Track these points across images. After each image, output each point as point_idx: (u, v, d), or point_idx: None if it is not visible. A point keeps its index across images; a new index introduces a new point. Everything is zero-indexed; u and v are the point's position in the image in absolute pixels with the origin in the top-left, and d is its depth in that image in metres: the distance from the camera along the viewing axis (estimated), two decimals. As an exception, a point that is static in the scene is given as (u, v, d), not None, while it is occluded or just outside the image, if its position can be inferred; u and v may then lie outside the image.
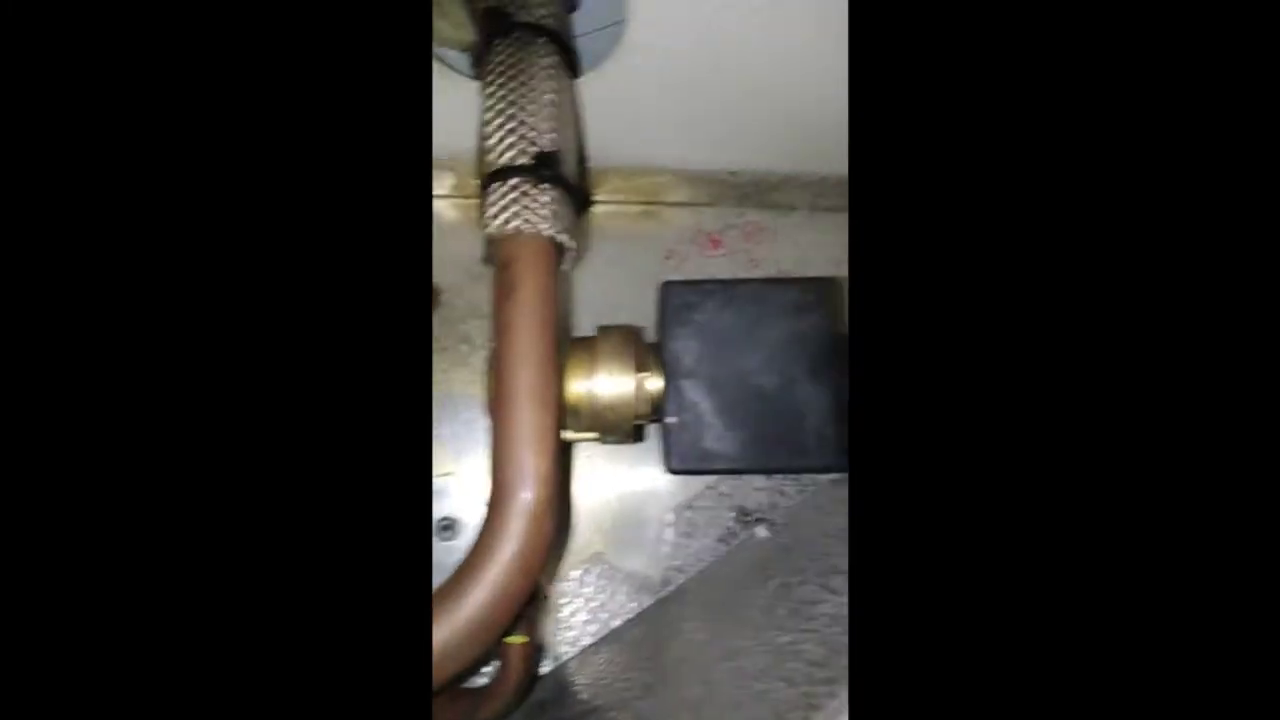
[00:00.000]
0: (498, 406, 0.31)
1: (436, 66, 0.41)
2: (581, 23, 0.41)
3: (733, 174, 0.55)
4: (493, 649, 0.31)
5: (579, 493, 0.51)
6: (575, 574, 0.50)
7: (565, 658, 0.48)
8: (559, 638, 0.49)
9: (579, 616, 0.49)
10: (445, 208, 0.53)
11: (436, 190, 0.53)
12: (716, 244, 0.58)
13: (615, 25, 0.41)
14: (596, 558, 0.50)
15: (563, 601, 0.49)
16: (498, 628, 0.28)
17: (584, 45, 0.42)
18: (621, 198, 0.58)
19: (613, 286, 0.55)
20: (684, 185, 0.57)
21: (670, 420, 0.35)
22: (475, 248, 0.49)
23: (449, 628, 0.27)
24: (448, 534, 0.47)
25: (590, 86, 0.44)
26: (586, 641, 0.48)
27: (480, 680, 0.38)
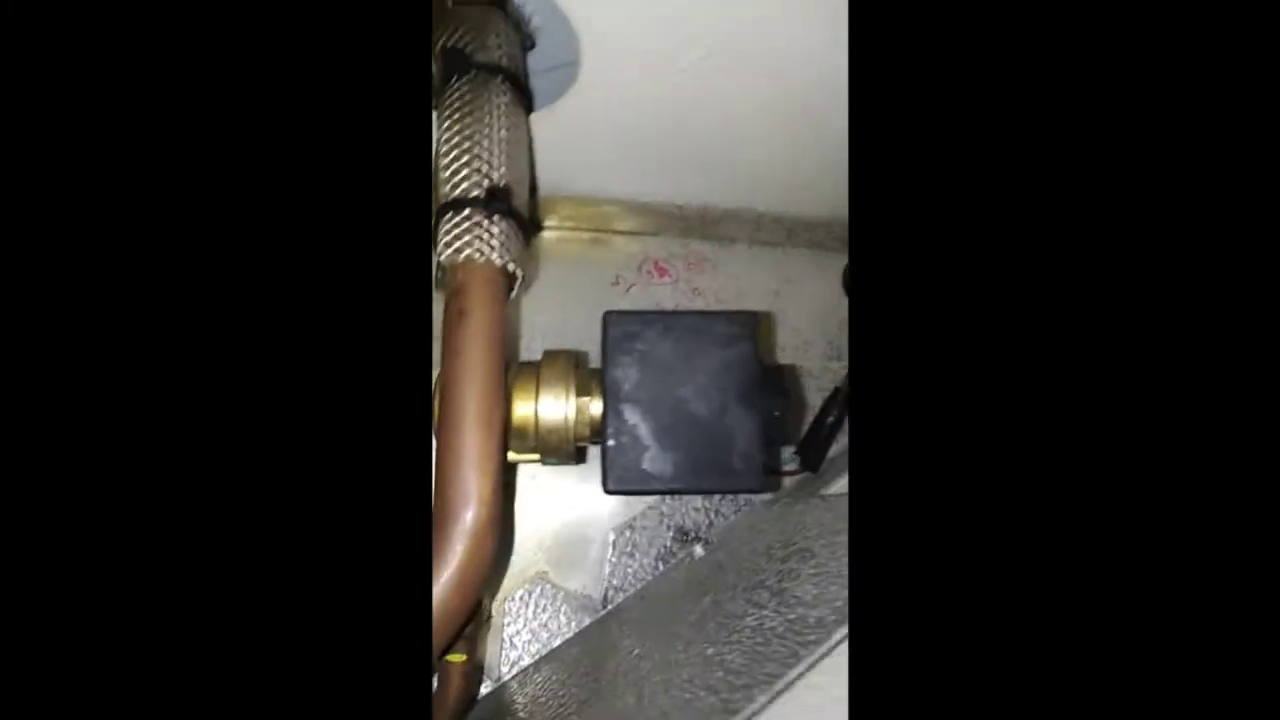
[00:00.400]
0: (443, 428, 0.32)
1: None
2: (536, 61, 0.43)
3: (679, 206, 0.57)
4: (433, 666, 0.32)
5: (523, 514, 0.52)
6: (519, 594, 0.50)
7: (505, 677, 0.48)
8: (501, 657, 0.49)
9: (521, 637, 0.50)
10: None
11: None
12: (664, 272, 0.61)
13: (568, 66, 0.44)
14: (540, 577, 0.51)
15: (506, 621, 0.50)
16: (437, 646, 0.29)
17: (538, 84, 0.44)
18: (572, 225, 0.60)
19: (564, 309, 0.57)
20: (632, 215, 0.59)
21: (609, 443, 0.37)
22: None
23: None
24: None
25: (543, 120, 0.46)
26: (527, 661, 0.49)
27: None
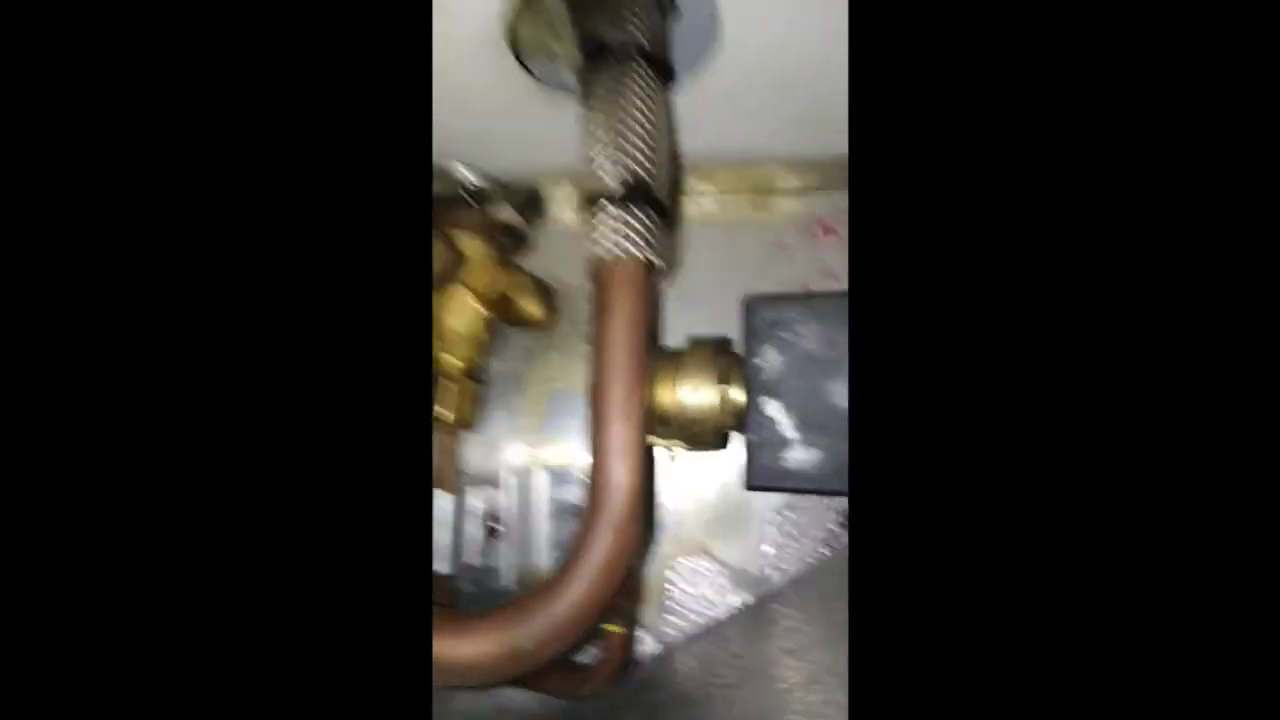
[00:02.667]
0: (593, 421, 0.34)
1: (544, 87, 0.43)
2: (678, 29, 0.41)
3: (843, 156, 0.52)
4: (592, 636, 0.35)
5: (688, 484, 0.54)
6: (684, 562, 0.53)
7: (669, 641, 0.51)
8: (664, 622, 0.52)
9: (683, 605, 0.52)
10: (569, 219, 0.57)
11: (562, 199, 0.56)
12: (829, 231, 0.56)
13: (710, 25, 0.41)
14: (701, 549, 0.52)
15: (669, 588, 0.52)
16: (587, 623, 0.31)
17: (680, 50, 0.43)
18: (732, 189, 0.58)
19: (724, 277, 0.56)
20: (793, 172, 0.55)
21: (750, 437, 0.36)
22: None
23: (549, 620, 0.31)
24: (577, 520, 0.52)
25: (690, 86, 0.44)
26: (688, 628, 0.51)
27: (585, 660, 0.42)
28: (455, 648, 0.30)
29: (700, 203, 0.58)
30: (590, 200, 0.36)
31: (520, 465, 0.53)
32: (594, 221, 0.36)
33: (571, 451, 0.54)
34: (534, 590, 0.31)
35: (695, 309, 0.55)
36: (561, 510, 0.53)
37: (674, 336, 0.55)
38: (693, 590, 0.52)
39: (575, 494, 0.53)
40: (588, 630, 0.32)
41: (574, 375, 0.56)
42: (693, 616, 0.52)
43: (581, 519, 0.33)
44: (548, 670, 0.37)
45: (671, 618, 0.52)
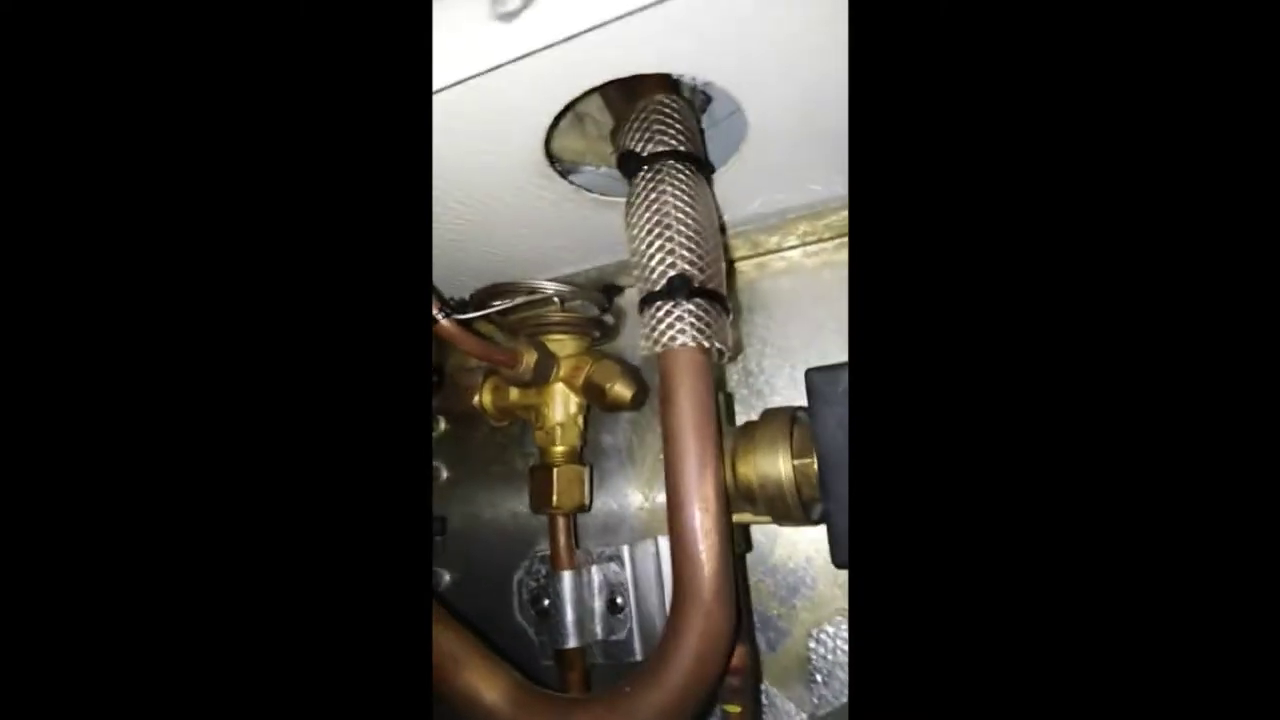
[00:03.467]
0: (670, 505, 0.35)
1: (596, 196, 0.47)
2: (709, 120, 0.44)
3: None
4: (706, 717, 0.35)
5: (821, 553, 0.52)
6: (828, 629, 0.51)
7: (817, 712, 0.49)
8: (811, 692, 0.50)
9: (831, 671, 0.50)
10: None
11: (631, 284, 0.60)
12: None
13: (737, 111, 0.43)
14: (841, 614, 0.50)
15: (809, 655, 0.51)
16: (690, 709, 0.33)
17: (718, 132, 0.44)
18: (815, 237, 0.57)
19: (820, 323, 0.55)
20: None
21: (829, 514, 0.35)
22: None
23: (649, 710, 0.32)
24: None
25: (744, 153, 0.45)
26: (832, 697, 0.49)
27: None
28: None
29: (788, 257, 0.58)
30: (642, 302, 0.39)
31: (639, 537, 0.56)
32: (646, 317, 0.38)
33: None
34: (634, 677, 0.33)
35: (795, 360, 0.54)
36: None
37: (782, 395, 0.54)
38: (835, 658, 0.50)
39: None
40: (692, 714, 0.33)
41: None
42: (838, 685, 0.50)
43: (672, 603, 0.34)
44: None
45: (817, 687, 0.50)
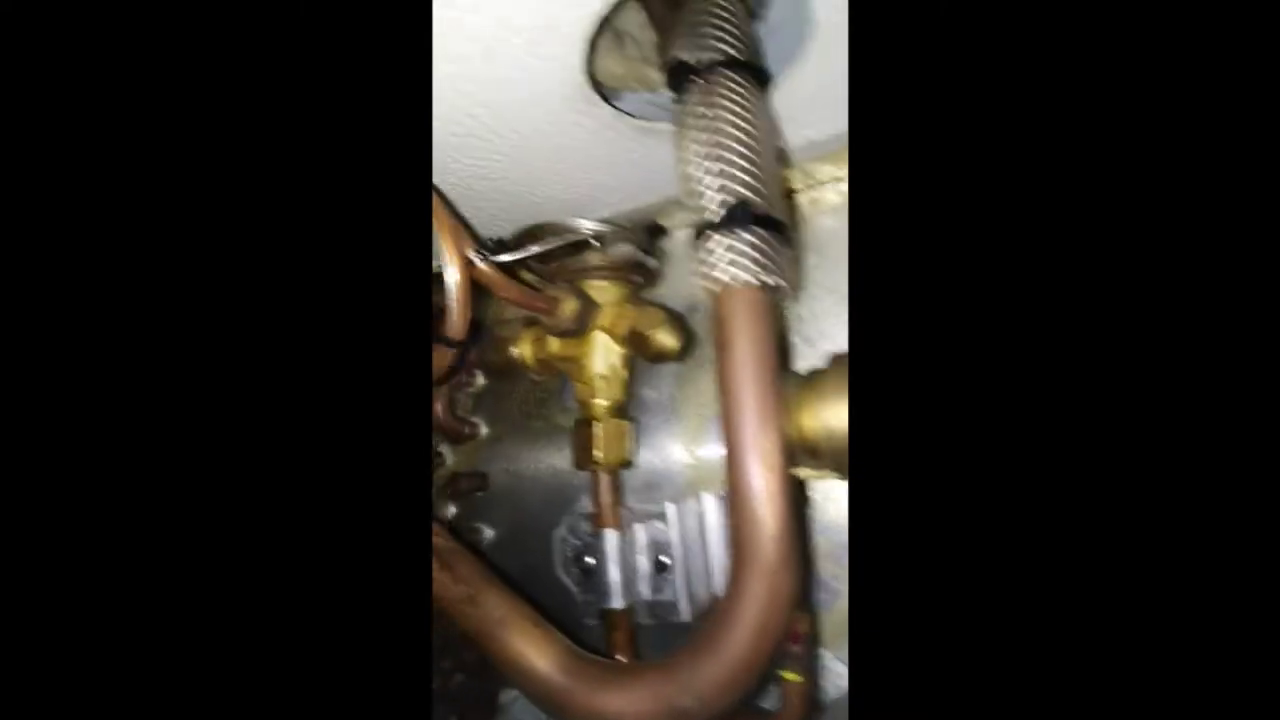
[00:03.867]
0: (729, 464, 0.32)
1: (641, 123, 0.43)
2: (766, 28, 0.38)
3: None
4: (764, 686, 0.33)
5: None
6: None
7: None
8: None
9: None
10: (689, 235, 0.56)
11: (676, 224, 0.55)
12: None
13: (802, 12, 0.37)
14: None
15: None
16: (751, 678, 0.30)
17: (774, 44, 0.39)
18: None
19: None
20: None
21: None
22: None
23: (709, 677, 0.30)
24: (736, 547, 0.51)
25: (795, 76, 0.40)
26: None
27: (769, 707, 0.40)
28: (615, 702, 0.30)
29: (844, 190, 0.52)
30: (697, 229, 0.34)
31: (683, 494, 0.53)
32: (702, 251, 0.34)
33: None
34: (691, 645, 0.31)
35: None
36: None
37: (833, 342, 0.50)
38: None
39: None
40: (752, 685, 0.31)
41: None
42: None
43: (731, 567, 0.31)
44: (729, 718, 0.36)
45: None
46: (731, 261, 0.33)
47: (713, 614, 0.31)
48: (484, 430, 0.66)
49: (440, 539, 0.38)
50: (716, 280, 0.33)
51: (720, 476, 0.54)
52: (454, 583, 0.36)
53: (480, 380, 0.67)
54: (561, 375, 0.61)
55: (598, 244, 0.48)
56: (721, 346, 0.33)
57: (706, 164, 0.34)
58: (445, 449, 0.67)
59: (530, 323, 0.52)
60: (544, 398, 0.64)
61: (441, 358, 0.38)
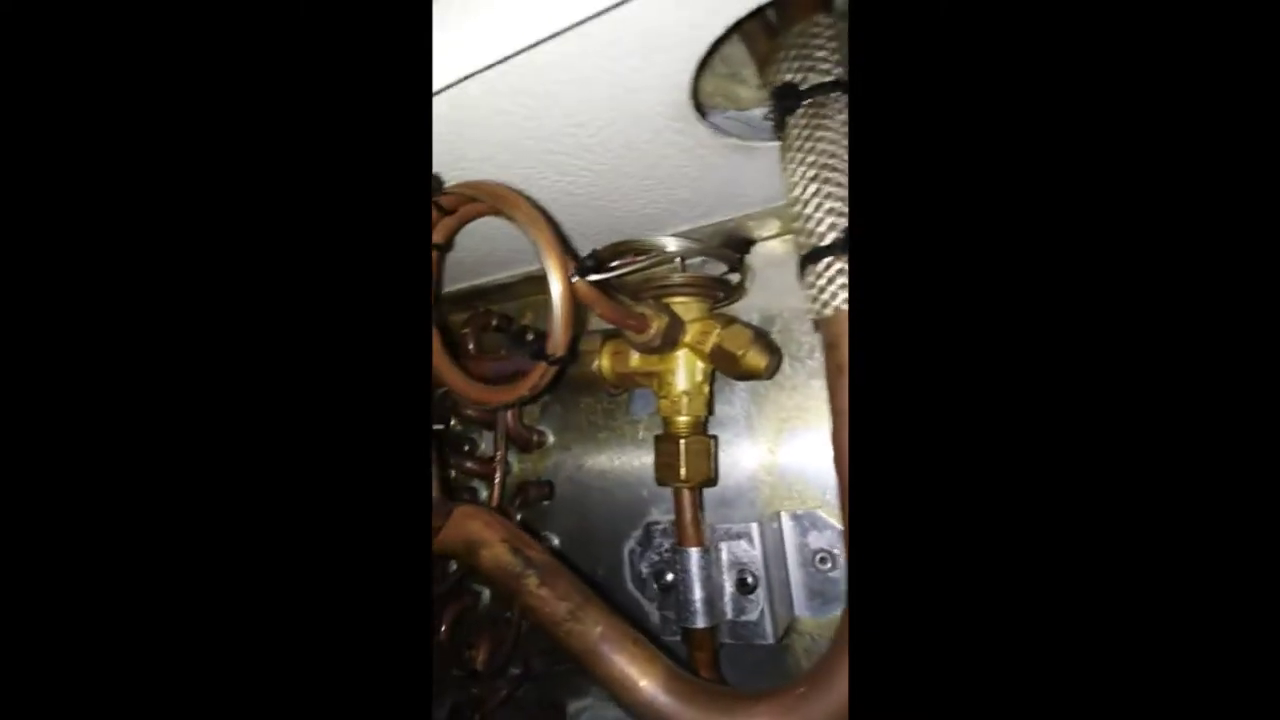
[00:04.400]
0: (841, 495, 0.32)
1: (734, 141, 0.43)
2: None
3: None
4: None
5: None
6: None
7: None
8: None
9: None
10: (776, 245, 0.56)
11: (766, 233, 0.55)
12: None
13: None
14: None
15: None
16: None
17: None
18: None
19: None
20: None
21: None
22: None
23: (824, 711, 0.29)
24: (825, 565, 0.50)
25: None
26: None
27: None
28: (734, 733, 0.30)
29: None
30: (806, 258, 0.34)
31: (766, 511, 0.53)
32: (810, 278, 0.34)
33: (813, 494, 0.52)
34: (810, 674, 0.30)
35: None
36: (811, 557, 0.51)
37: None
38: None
39: (824, 539, 0.50)
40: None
41: (806, 414, 0.54)
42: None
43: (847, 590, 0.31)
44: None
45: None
46: (844, 285, 0.32)
47: (833, 645, 0.30)
48: (551, 439, 0.67)
49: (538, 554, 0.38)
50: (828, 304, 0.33)
51: (796, 493, 0.53)
52: (556, 599, 0.36)
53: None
54: (630, 386, 0.61)
55: (678, 261, 0.48)
56: (838, 370, 0.32)
57: (815, 186, 0.34)
58: (513, 458, 0.68)
59: (610, 336, 0.53)
60: (611, 408, 0.64)
61: (545, 375, 0.38)
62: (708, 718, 0.31)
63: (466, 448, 0.68)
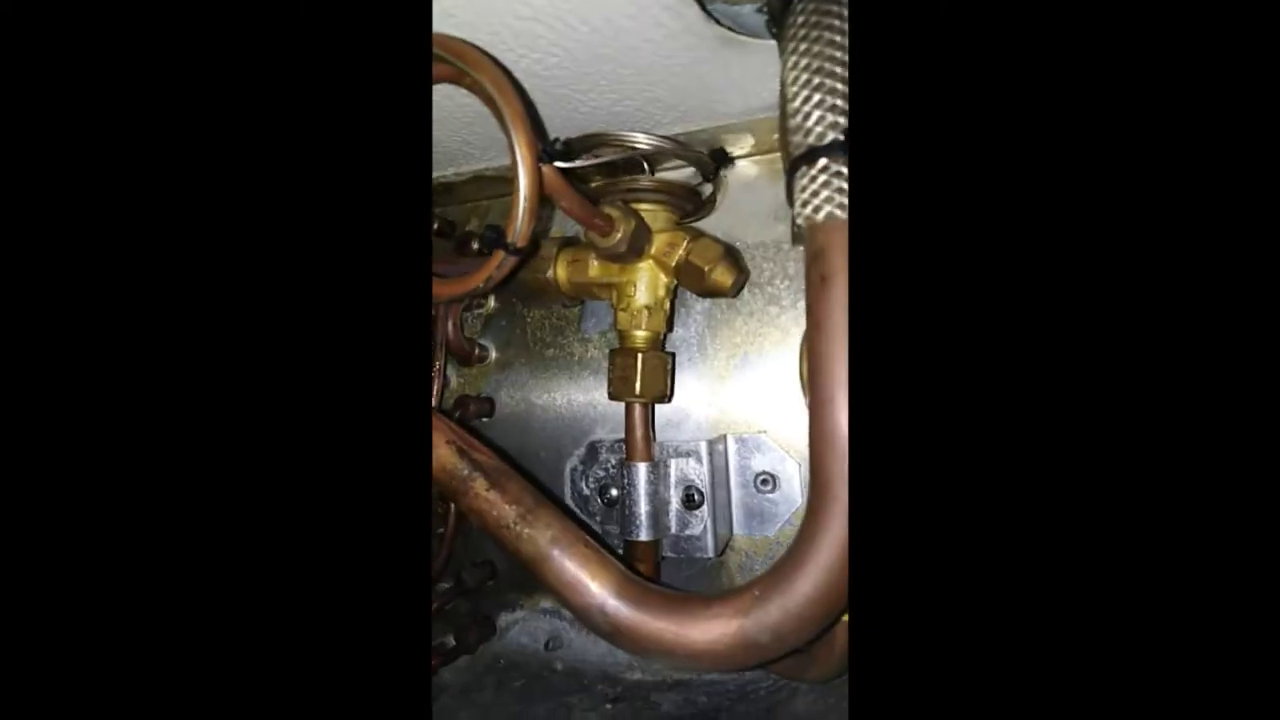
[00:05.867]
0: (814, 404, 0.31)
1: (726, 33, 0.40)
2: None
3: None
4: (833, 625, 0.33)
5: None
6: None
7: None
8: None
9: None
10: (746, 165, 0.53)
11: (739, 150, 0.52)
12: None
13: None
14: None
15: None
16: (824, 619, 0.30)
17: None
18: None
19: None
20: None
21: None
22: (774, 202, 0.48)
23: (783, 613, 0.29)
24: (766, 488, 0.51)
25: None
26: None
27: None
28: (688, 632, 0.30)
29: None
30: (797, 160, 0.32)
31: (712, 434, 0.52)
32: (802, 181, 0.32)
33: (758, 420, 0.52)
34: (765, 580, 0.30)
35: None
36: (754, 479, 0.51)
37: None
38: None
39: (766, 462, 0.51)
40: (825, 624, 0.31)
41: (761, 340, 0.53)
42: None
43: (807, 505, 0.31)
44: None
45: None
46: (838, 190, 0.31)
47: (790, 551, 0.30)
48: (493, 355, 0.64)
49: (487, 458, 0.36)
50: (819, 209, 0.31)
51: (742, 419, 0.54)
52: (505, 503, 0.34)
53: (491, 303, 0.63)
54: (581, 303, 0.58)
55: (646, 167, 0.45)
56: (822, 281, 0.31)
57: (816, 81, 0.32)
58: (451, 371, 0.64)
59: (567, 244, 0.49)
60: (560, 325, 0.61)
61: (503, 265, 0.35)
62: (664, 618, 0.30)
63: (400, 356, 0.63)
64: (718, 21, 0.38)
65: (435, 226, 0.60)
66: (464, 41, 0.35)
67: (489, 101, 0.33)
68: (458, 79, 0.34)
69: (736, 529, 0.51)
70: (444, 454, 0.35)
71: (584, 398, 0.60)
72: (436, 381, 0.57)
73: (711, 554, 0.47)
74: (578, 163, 0.37)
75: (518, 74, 0.42)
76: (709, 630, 0.30)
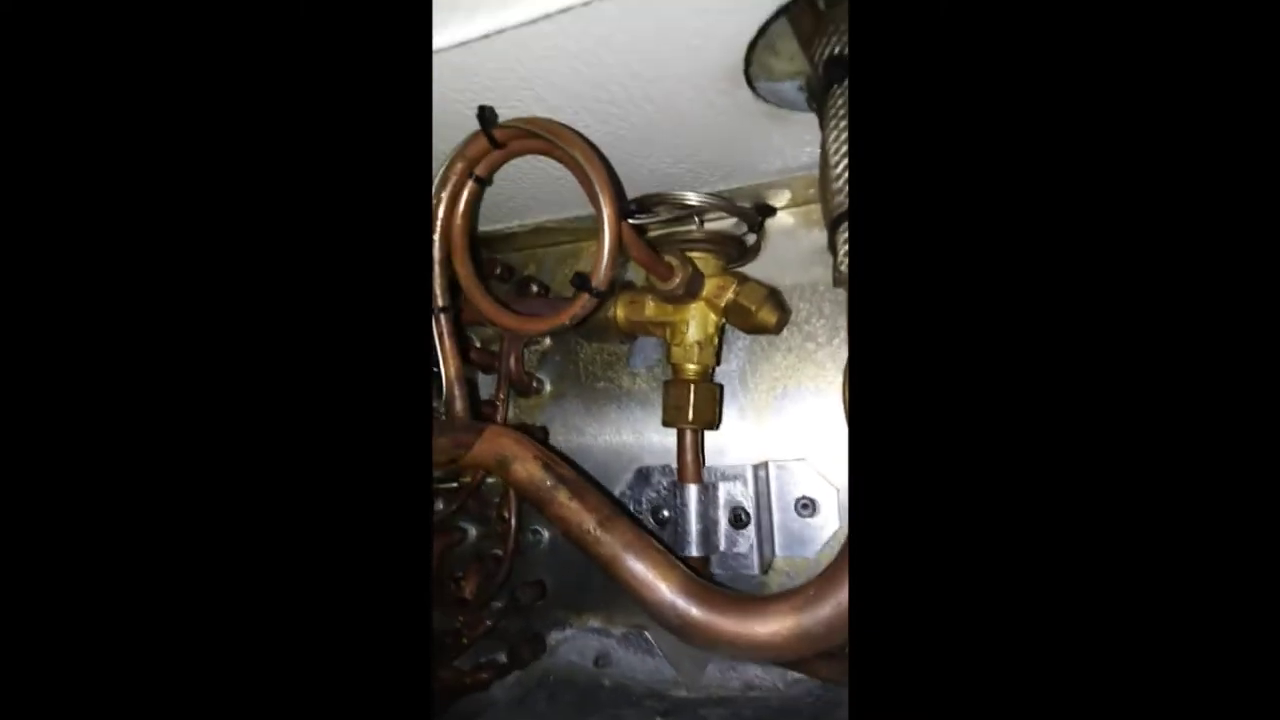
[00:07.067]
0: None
1: (771, 108, 0.46)
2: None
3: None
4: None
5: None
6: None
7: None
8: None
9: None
10: (784, 215, 0.59)
11: (778, 203, 0.59)
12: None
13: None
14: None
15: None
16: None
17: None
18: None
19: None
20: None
21: None
22: (810, 248, 0.53)
23: (811, 619, 0.33)
24: (806, 512, 0.55)
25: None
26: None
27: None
28: (752, 626, 0.34)
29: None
30: (838, 219, 0.38)
31: (757, 460, 0.57)
32: (843, 235, 0.38)
33: (798, 448, 0.57)
34: (819, 579, 0.35)
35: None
36: (794, 504, 0.56)
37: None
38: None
39: (806, 489, 0.55)
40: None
41: (799, 374, 0.58)
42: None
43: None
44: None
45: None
46: (874, 243, 0.36)
47: (840, 555, 0.35)
48: (548, 387, 0.69)
49: (567, 471, 0.41)
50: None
51: (779, 448, 0.58)
52: (585, 511, 0.39)
53: (547, 340, 0.69)
54: (630, 340, 0.64)
55: (697, 219, 0.51)
56: (861, 319, 0.36)
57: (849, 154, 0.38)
58: (510, 402, 0.70)
59: (624, 287, 0.55)
60: (610, 360, 0.67)
61: (586, 305, 0.41)
62: (729, 614, 0.35)
63: (464, 388, 0.69)
64: (764, 99, 0.45)
65: (497, 271, 0.67)
66: (556, 122, 0.41)
67: (577, 169, 0.40)
68: (549, 151, 0.41)
69: (778, 551, 0.55)
70: (532, 468, 0.40)
71: (631, 428, 0.65)
72: (500, 410, 0.63)
73: (756, 570, 0.51)
74: (651, 218, 0.43)
75: (593, 141, 0.49)
76: (769, 624, 0.34)
